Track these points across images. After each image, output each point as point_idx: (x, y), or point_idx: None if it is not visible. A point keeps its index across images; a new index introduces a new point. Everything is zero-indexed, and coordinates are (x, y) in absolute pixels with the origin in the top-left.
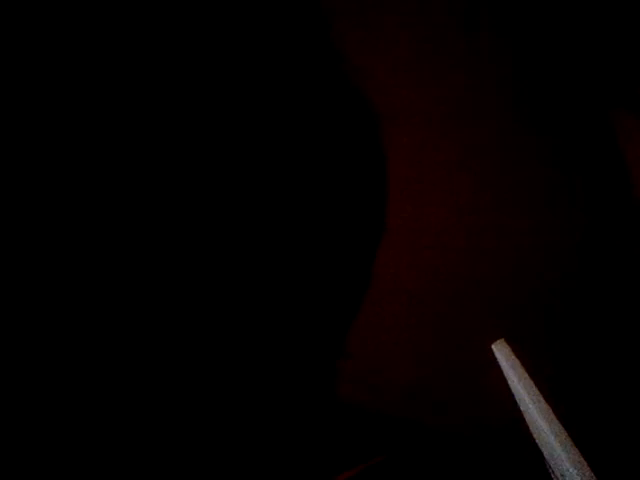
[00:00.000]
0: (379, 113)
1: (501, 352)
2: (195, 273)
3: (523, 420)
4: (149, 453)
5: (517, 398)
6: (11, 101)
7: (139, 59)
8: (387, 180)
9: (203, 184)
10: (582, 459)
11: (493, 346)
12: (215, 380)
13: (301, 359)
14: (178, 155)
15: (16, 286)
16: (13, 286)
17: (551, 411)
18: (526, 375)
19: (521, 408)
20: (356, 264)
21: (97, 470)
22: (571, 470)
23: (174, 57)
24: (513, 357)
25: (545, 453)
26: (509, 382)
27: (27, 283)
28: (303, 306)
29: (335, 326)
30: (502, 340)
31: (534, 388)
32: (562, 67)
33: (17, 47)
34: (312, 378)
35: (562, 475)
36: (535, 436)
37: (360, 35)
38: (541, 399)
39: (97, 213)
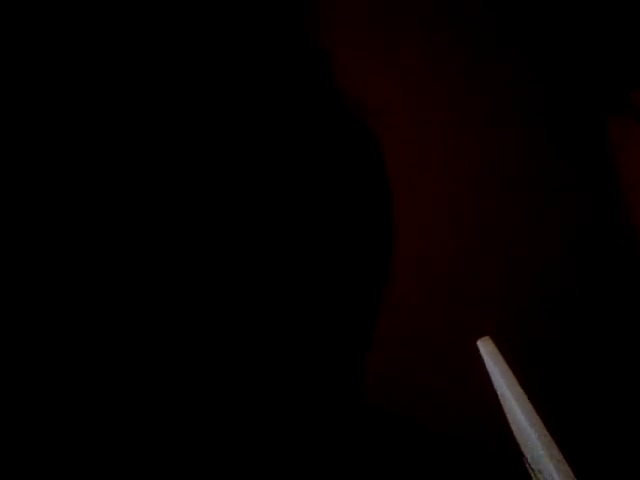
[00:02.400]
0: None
1: (486, 349)
2: (198, 274)
3: (504, 416)
4: (149, 453)
5: (500, 394)
6: (11, 102)
7: (138, 60)
8: (389, 186)
9: (203, 187)
10: (561, 456)
11: (479, 343)
12: (217, 381)
13: (308, 362)
14: (178, 157)
15: (16, 286)
16: (13, 286)
17: (532, 408)
18: (509, 372)
19: (503, 404)
20: (364, 269)
21: (97, 470)
22: (549, 467)
23: (174, 59)
24: (497, 354)
25: (524, 448)
26: (492, 378)
27: (27, 283)
28: (307, 309)
29: (343, 333)
30: (488, 337)
31: (516, 385)
32: (560, 72)
33: (17, 47)
34: (321, 382)
35: (539, 471)
36: (515, 432)
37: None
38: (523, 396)
39: (97, 213)
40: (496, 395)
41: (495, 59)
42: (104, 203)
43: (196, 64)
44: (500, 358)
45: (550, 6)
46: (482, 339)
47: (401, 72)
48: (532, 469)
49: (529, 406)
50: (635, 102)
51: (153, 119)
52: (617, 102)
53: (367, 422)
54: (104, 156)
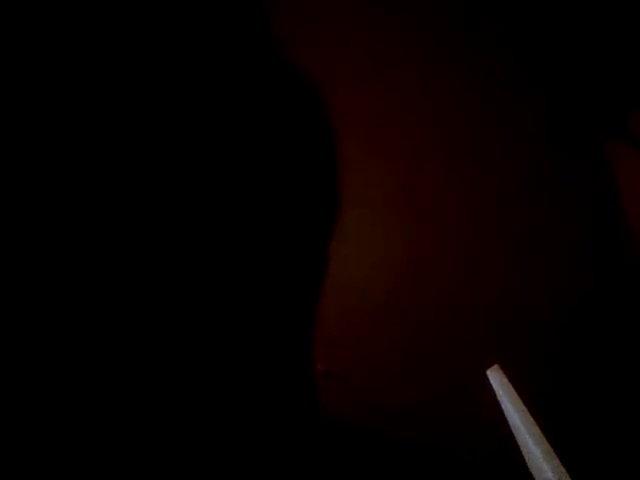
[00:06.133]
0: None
1: (496, 378)
2: (188, 273)
3: (515, 443)
4: (149, 453)
5: (510, 422)
6: (11, 101)
7: (135, 62)
8: (338, 185)
9: (188, 186)
10: None
11: (488, 372)
12: (210, 379)
13: (283, 351)
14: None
15: (16, 286)
16: (13, 286)
17: (542, 435)
18: (519, 400)
19: (513, 431)
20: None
21: (97, 470)
22: None
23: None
24: (507, 383)
25: (536, 477)
26: (502, 406)
27: (27, 283)
28: (282, 299)
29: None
30: (497, 366)
31: (526, 413)
32: (556, 93)
33: (18, 47)
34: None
35: None
36: (527, 460)
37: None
38: (533, 423)
39: (97, 213)
40: (506, 422)
41: (489, 80)
42: (103, 203)
43: (181, 64)
44: (509, 386)
45: (548, 27)
46: (492, 368)
47: (391, 81)
48: None
49: (539, 433)
50: (632, 125)
51: (145, 121)
52: (614, 124)
53: (376, 449)
54: (104, 156)
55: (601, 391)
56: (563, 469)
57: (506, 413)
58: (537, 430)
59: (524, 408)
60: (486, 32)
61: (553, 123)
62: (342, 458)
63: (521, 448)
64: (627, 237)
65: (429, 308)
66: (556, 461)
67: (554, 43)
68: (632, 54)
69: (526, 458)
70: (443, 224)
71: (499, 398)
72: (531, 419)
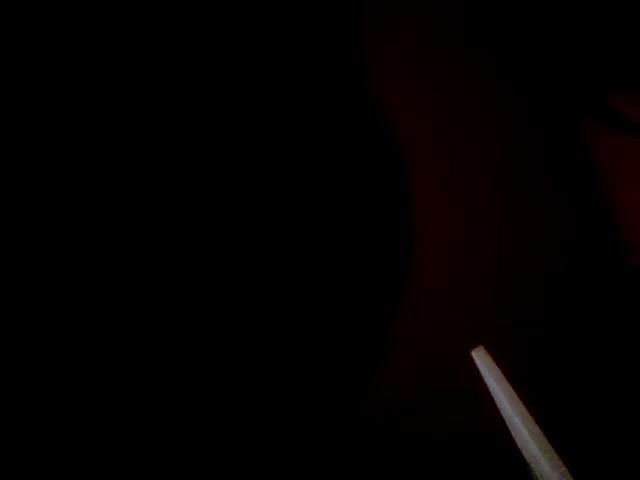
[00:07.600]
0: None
1: (481, 359)
2: (199, 273)
3: (504, 423)
4: (149, 453)
5: (497, 403)
6: (12, 102)
7: (143, 59)
8: (408, 191)
9: (208, 186)
10: (559, 460)
11: (473, 353)
12: (218, 380)
13: (312, 365)
14: (185, 156)
15: (16, 286)
16: (14, 286)
17: (529, 414)
18: (505, 381)
19: (502, 413)
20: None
21: (97, 470)
22: (549, 471)
23: (180, 58)
24: (492, 364)
25: (525, 456)
26: (489, 388)
27: (28, 283)
28: (310, 308)
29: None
30: (481, 347)
31: (512, 392)
32: (534, 74)
33: (18, 47)
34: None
35: (541, 477)
36: (517, 441)
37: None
38: (519, 402)
39: (98, 213)
40: (494, 403)
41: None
42: (105, 203)
43: (204, 66)
44: (494, 367)
45: (526, 8)
46: (476, 349)
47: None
48: (533, 472)
49: (526, 412)
50: (612, 106)
51: (157, 119)
52: (592, 106)
53: (367, 430)
54: (105, 156)
55: (589, 370)
56: (551, 447)
57: (492, 393)
58: (523, 409)
59: (510, 388)
60: (466, 18)
61: (527, 109)
62: (329, 445)
63: (508, 427)
64: (609, 211)
65: (411, 289)
66: (544, 439)
67: (532, 26)
68: (610, 38)
69: (514, 437)
70: (427, 210)
71: (485, 379)
72: (517, 398)
